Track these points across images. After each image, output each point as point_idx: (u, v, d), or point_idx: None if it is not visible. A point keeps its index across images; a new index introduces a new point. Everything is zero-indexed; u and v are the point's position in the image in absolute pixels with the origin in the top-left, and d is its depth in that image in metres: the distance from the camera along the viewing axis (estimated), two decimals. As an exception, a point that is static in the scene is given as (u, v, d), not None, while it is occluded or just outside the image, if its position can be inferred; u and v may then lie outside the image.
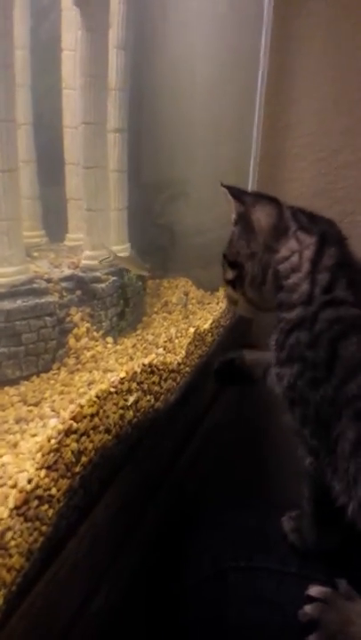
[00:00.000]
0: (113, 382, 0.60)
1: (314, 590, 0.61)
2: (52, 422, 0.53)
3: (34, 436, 0.56)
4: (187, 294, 1.08)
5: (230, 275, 0.68)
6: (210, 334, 0.89)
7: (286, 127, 1.07)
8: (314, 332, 0.57)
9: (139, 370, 0.65)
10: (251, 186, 1.07)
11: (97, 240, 0.82)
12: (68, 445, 0.51)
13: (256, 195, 0.69)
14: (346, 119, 1.01)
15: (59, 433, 0.50)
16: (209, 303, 1.04)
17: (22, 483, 0.45)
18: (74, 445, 0.52)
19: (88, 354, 0.75)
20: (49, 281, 0.74)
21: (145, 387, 0.67)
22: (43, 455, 0.48)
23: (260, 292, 0.66)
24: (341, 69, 0.99)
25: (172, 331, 0.86)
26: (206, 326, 0.87)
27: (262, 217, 0.64)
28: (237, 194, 0.68)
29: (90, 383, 0.68)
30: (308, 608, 0.59)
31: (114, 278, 0.83)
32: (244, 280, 0.66)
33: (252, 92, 1.04)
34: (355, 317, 0.57)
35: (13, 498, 0.43)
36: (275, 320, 0.63)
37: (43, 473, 0.47)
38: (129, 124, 0.89)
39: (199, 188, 1.12)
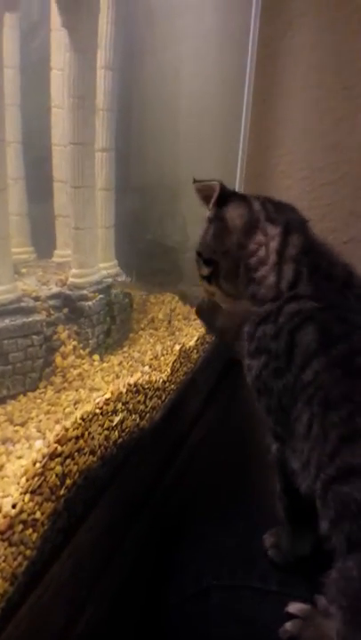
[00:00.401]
0: (98, 403, 0.60)
1: (293, 607, 0.62)
2: (38, 444, 0.53)
3: (19, 457, 0.56)
4: (171, 309, 1.09)
5: (206, 271, 0.70)
6: (195, 351, 0.89)
7: (271, 146, 1.09)
8: (278, 325, 0.61)
9: (124, 390, 0.66)
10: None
11: (84, 258, 0.82)
12: (52, 469, 0.51)
13: (227, 193, 0.70)
14: (329, 137, 1.03)
15: (43, 456, 0.50)
16: (195, 319, 1.05)
17: (7, 508, 0.45)
18: (58, 469, 0.52)
19: (75, 372, 0.76)
20: (37, 299, 0.74)
21: (130, 406, 0.67)
22: (27, 479, 0.48)
23: (234, 285, 0.68)
24: (325, 89, 1.01)
25: (158, 348, 0.86)
26: (192, 343, 0.88)
27: (236, 216, 0.67)
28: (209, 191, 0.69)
29: (76, 402, 0.68)
30: (288, 625, 0.60)
31: (101, 296, 0.84)
32: (218, 275, 0.69)
33: (238, 110, 1.06)
34: (311, 310, 0.60)
35: (-2, 523, 0.44)
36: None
37: (27, 497, 0.48)
38: (116, 143, 0.90)
39: (185, 206, 1.13)
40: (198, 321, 1.03)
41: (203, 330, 0.95)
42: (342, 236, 1.06)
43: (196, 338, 0.90)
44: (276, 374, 0.60)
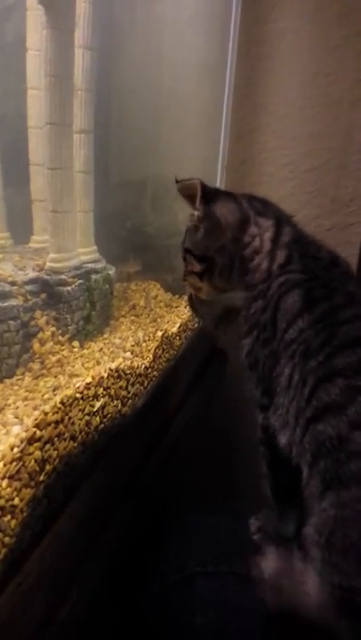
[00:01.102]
0: (79, 388, 0.59)
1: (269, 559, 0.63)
2: (15, 430, 0.51)
3: (-4, 444, 0.54)
4: (153, 297, 1.08)
5: (198, 267, 0.72)
6: (178, 338, 0.88)
7: (254, 131, 1.08)
8: (267, 299, 0.64)
9: (105, 375, 0.64)
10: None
11: (62, 242, 0.80)
12: (31, 454, 0.50)
13: (212, 190, 0.72)
14: (312, 124, 1.03)
15: (22, 441, 0.49)
16: (177, 306, 1.04)
17: (-17, 494, 0.44)
18: (37, 454, 0.50)
19: (53, 358, 0.74)
20: (13, 284, 0.72)
21: (112, 392, 0.66)
22: (5, 464, 0.47)
23: (227, 280, 0.70)
24: (307, 75, 1.01)
25: (140, 334, 0.85)
26: (174, 330, 0.87)
27: (227, 213, 0.69)
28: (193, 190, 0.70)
29: (55, 388, 0.66)
30: (266, 571, 0.62)
31: (80, 281, 0.82)
32: (213, 271, 0.71)
33: (220, 95, 1.05)
34: (298, 278, 0.63)
35: (-27, 510, 0.42)
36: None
37: (5, 483, 0.46)
38: (95, 126, 0.88)
39: (166, 191, 1.11)
40: (183, 309, 1.02)
41: (185, 317, 0.94)
42: (326, 223, 1.06)
43: (178, 325, 0.89)
44: (264, 344, 0.63)
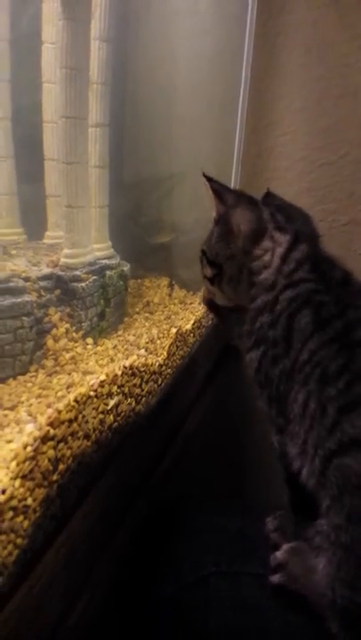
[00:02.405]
0: (93, 386, 0.58)
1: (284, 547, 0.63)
2: (29, 428, 0.51)
3: (9, 442, 0.53)
4: (167, 294, 1.07)
5: (209, 273, 0.70)
6: (192, 335, 0.87)
7: (269, 125, 1.06)
8: (275, 313, 0.61)
9: (119, 372, 0.63)
10: (233, 185, 1.06)
11: (77, 238, 0.79)
12: (44, 453, 0.49)
13: (238, 196, 0.70)
14: (328, 117, 1.01)
15: (35, 440, 0.48)
16: (191, 303, 1.03)
17: (-5, 493, 0.43)
18: (51, 453, 0.49)
19: (67, 355, 0.73)
20: (27, 280, 0.71)
21: (126, 389, 0.65)
22: (18, 464, 0.46)
23: (235, 290, 0.68)
24: (325, 66, 0.99)
25: (154, 331, 0.84)
26: (188, 327, 0.86)
27: (242, 222, 0.66)
28: (220, 191, 0.69)
29: (69, 386, 0.65)
30: (278, 554, 0.62)
31: (94, 277, 0.81)
32: (222, 279, 0.69)
33: (236, 89, 1.03)
34: (309, 292, 0.60)
35: (-14, 510, 0.41)
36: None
37: (18, 482, 0.45)
38: (111, 120, 0.87)
39: (181, 186, 1.10)
40: (197, 305, 1.00)
41: (199, 314, 0.92)
42: (342, 218, 1.04)
43: (192, 321, 0.88)
44: (274, 361, 0.60)
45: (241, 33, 1.01)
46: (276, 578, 0.61)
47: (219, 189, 0.69)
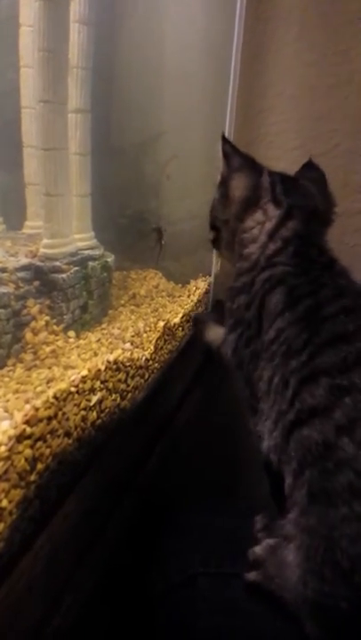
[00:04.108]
0: (73, 381, 0.55)
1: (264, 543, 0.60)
2: (4, 426, 0.48)
3: (-16, 441, 0.50)
4: (154, 286, 1.04)
5: (210, 235, 0.71)
6: (180, 328, 0.85)
7: (260, 113, 1.03)
8: (251, 294, 0.61)
9: (103, 367, 0.60)
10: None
11: (57, 227, 0.76)
12: (20, 452, 0.46)
13: (244, 160, 0.69)
14: (321, 105, 0.98)
15: (10, 439, 0.45)
16: (180, 296, 1.00)
17: (-33, 496, 0.40)
18: (28, 452, 0.47)
19: (47, 349, 0.70)
20: (3, 270, 0.68)
21: (110, 385, 0.62)
22: (-9, 464, 0.43)
23: (232, 258, 0.69)
24: (318, 52, 0.96)
25: (140, 325, 0.81)
26: (177, 320, 0.83)
27: (238, 187, 0.66)
28: (228, 154, 0.69)
29: (49, 381, 0.62)
30: (257, 548, 0.60)
31: (76, 268, 0.78)
32: (220, 243, 0.70)
33: (226, 75, 1.00)
34: (283, 273, 0.59)
35: None
36: None
37: (-9, 484, 0.42)
38: (94, 106, 0.83)
39: (169, 176, 1.07)
40: (186, 298, 0.98)
41: (188, 307, 0.90)
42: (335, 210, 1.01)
43: (181, 315, 0.85)
44: (247, 343, 0.60)
45: (231, 17, 0.98)
46: (251, 575, 0.58)
47: (228, 151, 0.69)
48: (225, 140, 0.70)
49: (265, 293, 0.59)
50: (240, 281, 0.63)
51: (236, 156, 0.69)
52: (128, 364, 0.66)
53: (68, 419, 0.53)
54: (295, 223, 0.63)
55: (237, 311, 0.62)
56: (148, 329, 0.79)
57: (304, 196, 0.67)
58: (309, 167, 0.75)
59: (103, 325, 0.84)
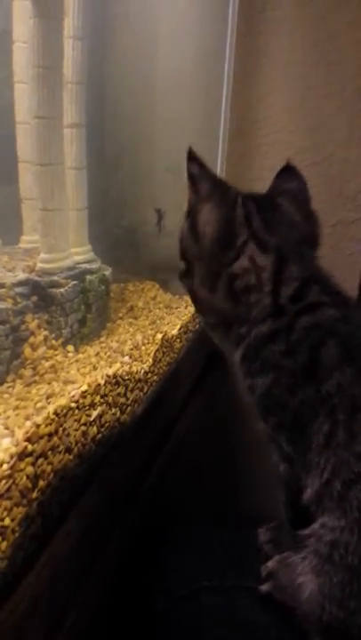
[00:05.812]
0: (73, 397, 0.55)
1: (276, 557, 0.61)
2: (5, 443, 0.48)
3: (-15, 459, 0.50)
4: (151, 298, 1.04)
5: (182, 265, 0.63)
6: (178, 340, 0.85)
7: (254, 124, 1.04)
8: (291, 341, 0.56)
9: (102, 381, 0.60)
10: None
11: (54, 242, 0.76)
12: (22, 470, 0.46)
13: (213, 187, 0.61)
14: (314, 116, 0.99)
15: (11, 457, 0.45)
16: (177, 308, 1.00)
17: (-31, 516, 0.40)
18: (29, 469, 0.47)
19: (46, 364, 0.70)
20: (1, 286, 0.68)
21: (109, 399, 0.62)
22: (-7, 483, 0.43)
23: (210, 297, 0.61)
24: (309, 64, 0.97)
25: (139, 337, 0.81)
26: (174, 332, 0.83)
27: (209, 222, 0.59)
28: (196, 178, 0.60)
29: (49, 396, 0.62)
30: (269, 563, 0.60)
31: (74, 282, 0.78)
32: (193, 278, 0.62)
33: (219, 88, 1.01)
34: (332, 320, 0.56)
35: None
36: (231, 335, 0.61)
37: (-7, 503, 0.42)
38: (89, 121, 0.84)
39: (163, 187, 1.08)
40: (183, 310, 0.98)
41: (186, 318, 0.90)
42: (330, 219, 1.02)
43: (178, 326, 0.85)
44: (291, 390, 0.55)
45: (223, 30, 0.99)
46: (265, 587, 0.59)
47: (195, 174, 0.60)
48: (191, 157, 0.60)
49: (316, 345, 0.55)
50: (265, 327, 0.57)
51: (204, 181, 0.60)
52: (127, 377, 0.66)
53: (68, 434, 0.53)
54: (294, 263, 0.58)
55: (271, 357, 0.56)
56: (146, 341, 0.80)
57: (288, 226, 0.61)
58: (288, 174, 0.68)
59: (102, 339, 0.84)
